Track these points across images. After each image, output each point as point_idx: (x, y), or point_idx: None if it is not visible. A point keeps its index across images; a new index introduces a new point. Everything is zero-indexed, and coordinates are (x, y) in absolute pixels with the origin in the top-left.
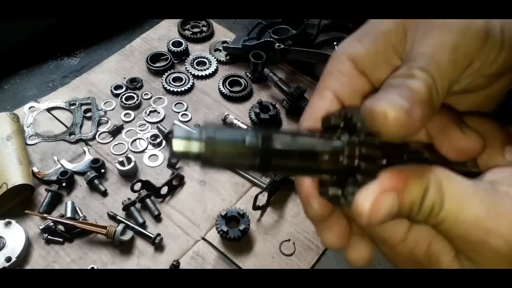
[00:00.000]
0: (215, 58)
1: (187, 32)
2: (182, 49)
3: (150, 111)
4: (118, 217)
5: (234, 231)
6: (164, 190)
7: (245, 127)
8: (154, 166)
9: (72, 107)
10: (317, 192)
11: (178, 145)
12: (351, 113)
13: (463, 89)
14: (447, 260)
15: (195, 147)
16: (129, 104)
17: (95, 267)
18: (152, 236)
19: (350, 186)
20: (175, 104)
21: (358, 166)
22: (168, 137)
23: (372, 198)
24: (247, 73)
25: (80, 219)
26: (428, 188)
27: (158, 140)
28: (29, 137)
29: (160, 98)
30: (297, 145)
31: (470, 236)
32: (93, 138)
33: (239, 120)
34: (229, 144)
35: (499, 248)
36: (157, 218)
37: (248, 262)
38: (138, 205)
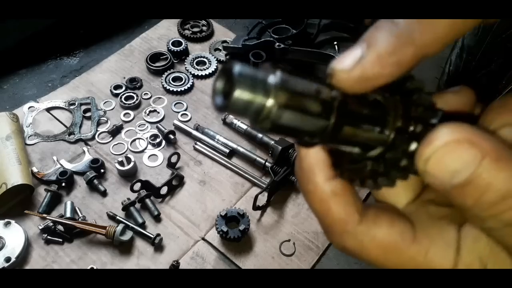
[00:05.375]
0: (215, 57)
1: (187, 32)
2: (181, 49)
3: (150, 111)
4: (117, 217)
5: (234, 231)
6: (164, 190)
7: (245, 127)
8: (153, 166)
9: (72, 107)
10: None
11: (242, 91)
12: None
13: None
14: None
15: (261, 96)
16: (128, 104)
17: (95, 267)
18: (152, 236)
19: (395, 161)
20: (175, 104)
21: (413, 131)
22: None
23: (451, 138)
24: None
25: (79, 219)
26: None
27: (158, 140)
28: (29, 137)
29: (160, 98)
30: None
31: None
32: (93, 138)
33: (239, 120)
34: (303, 95)
35: None
36: (157, 218)
37: (248, 262)
38: (137, 205)
